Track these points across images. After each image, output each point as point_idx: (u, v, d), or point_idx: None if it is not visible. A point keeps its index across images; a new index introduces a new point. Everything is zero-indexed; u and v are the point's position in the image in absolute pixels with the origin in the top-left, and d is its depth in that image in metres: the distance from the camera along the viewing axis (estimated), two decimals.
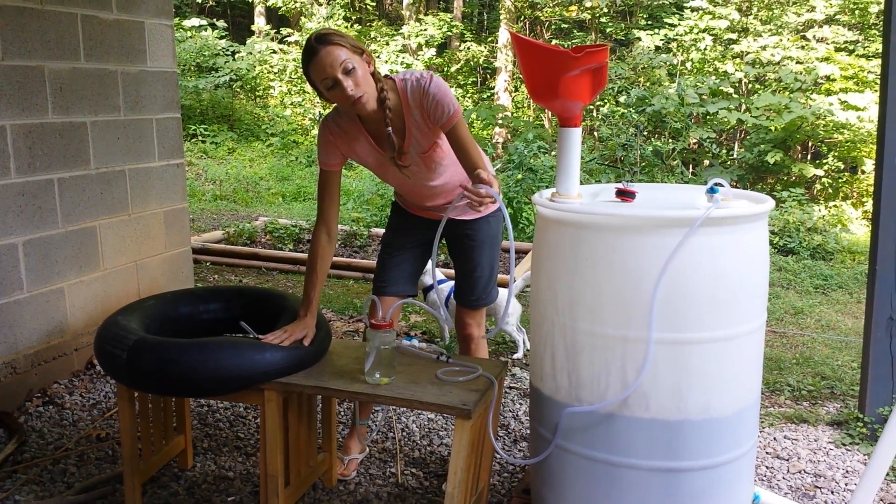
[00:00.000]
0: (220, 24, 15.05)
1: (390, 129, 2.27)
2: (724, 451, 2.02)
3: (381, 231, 6.33)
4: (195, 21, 14.81)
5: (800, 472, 2.83)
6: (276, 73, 14.17)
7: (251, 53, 14.34)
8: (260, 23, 16.24)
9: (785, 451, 2.99)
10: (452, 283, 3.89)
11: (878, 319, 3.06)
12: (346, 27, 14.91)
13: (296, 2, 14.72)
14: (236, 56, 14.35)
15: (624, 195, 2.17)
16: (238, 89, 14.11)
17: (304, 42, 13.27)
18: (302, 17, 15.02)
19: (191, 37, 14.29)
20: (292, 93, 13.93)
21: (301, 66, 2.23)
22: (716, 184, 2.06)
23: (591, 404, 2.00)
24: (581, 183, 2.23)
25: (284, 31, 15.21)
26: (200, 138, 12.01)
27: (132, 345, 2.14)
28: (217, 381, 2.10)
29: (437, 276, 3.95)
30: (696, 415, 1.96)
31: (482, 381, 2.21)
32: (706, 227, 1.89)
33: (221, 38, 14.63)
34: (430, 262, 3.89)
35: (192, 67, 13.80)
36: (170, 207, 4.08)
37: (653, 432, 1.96)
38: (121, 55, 3.69)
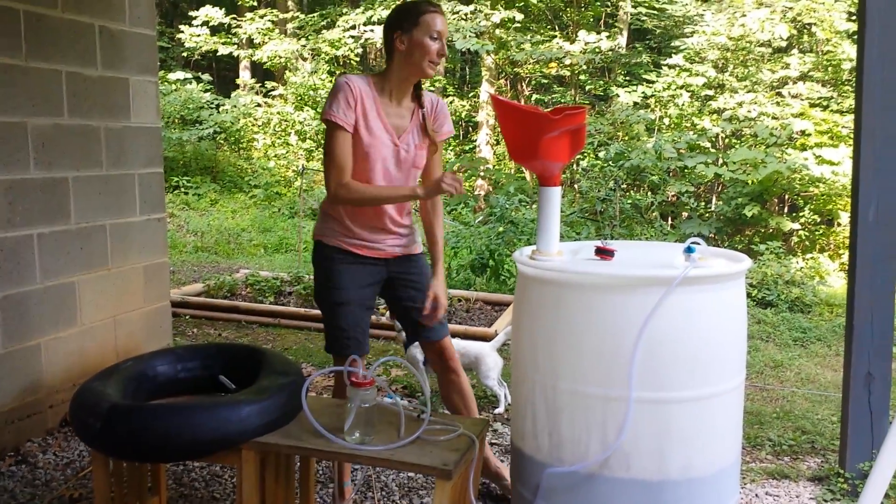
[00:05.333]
0: (206, 77, 15.22)
1: (417, 106, 2.56)
2: None
3: None
4: (180, 74, 14.97)
5: None
6: (260, 126, 14.29)
7: (235, 106, 14.48)
8: (245, 76, 16.42)
9: None
10: None
11: (857, 374, 3.08)
12: (331, 80, 15.10)
13: (280, 57, 14.91)
14: (221, 109, 14.49)
15: (603, 253, 2.19)
16: (222, 141, 14.20)
17: (279, 95, 13.32)
18: (287, 72, 15.22)
19: (175, 90, 14.42)
20: (276, 145, 14.03)
21: (414, 6, 2.44)
22: (693, 243, 2.08)
23: (572, 465, 1.99)
24: (562, 236, 2.26)
25: (269, 84, 15.39)
26: (183, 190, 12.04)
27: (105, 412, 2.11)
28: (193, 446, 2.07)
29: None
30: (676, 475, 1.95)
31: (463, 440, 2.19)
32: (684, 287, 1.91)
33: (206, 91, 14.78)
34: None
35: (177, 120, 13.90)
36: (150, 262, 4.06)
37: (634, 493, 1.95)
38: (105, 111, 3.71)
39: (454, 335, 4.31)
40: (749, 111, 10.66)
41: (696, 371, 1.95)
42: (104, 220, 3.74)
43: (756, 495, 3.08)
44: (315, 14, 16.31)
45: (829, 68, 11.66)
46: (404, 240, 2.66)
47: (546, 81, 14.71)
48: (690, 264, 1.96)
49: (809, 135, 10.21)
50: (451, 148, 15.10)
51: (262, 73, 16.71)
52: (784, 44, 12.09)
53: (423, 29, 2.40)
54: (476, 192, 13.53)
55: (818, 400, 4.30)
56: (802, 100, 11.22)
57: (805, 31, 12.28)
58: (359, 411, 2.15)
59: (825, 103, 11.37)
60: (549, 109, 2.19)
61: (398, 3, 2.64)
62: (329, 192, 2.49)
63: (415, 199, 2.56)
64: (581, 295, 1.99)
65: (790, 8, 11.54)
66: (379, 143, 2.47)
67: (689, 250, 2.03)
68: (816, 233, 9.78)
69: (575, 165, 12.56)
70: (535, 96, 14.95)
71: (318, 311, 5.38)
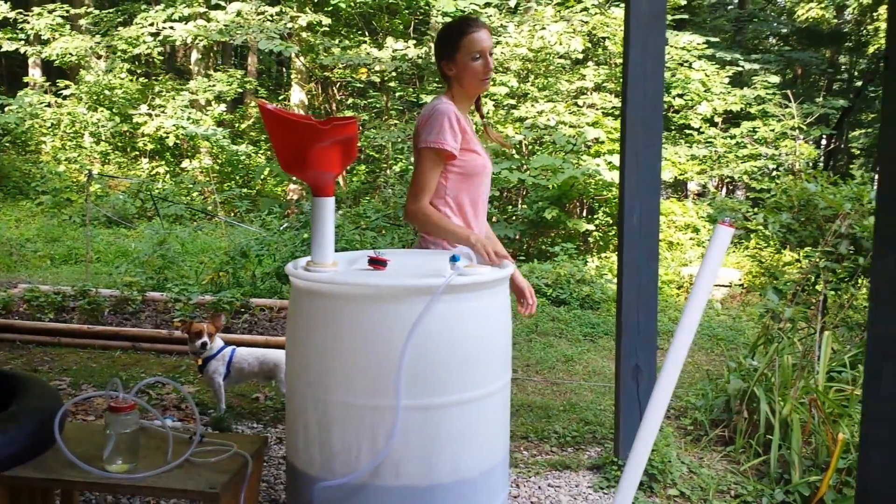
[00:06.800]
0: None
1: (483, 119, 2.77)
2: None
3: (157, 295, 6.00)
4: None
5: None
6: (48, 128, 13.22)
7: (21, 107, 13.31)
8: (36, 74, 15.15)
9: (548, 500, 3.12)
10: (232, 348, 3.76)
11: (625, 367, 3.32)
12: (131, 80, 14.27)
13: (72, 55, 13.88)
14: (6, 110, 13.27)
15: (376, 263, 2.20)
16: (7, 144, 13.01)
17: (79, 94, 12.49)
18: (81, 70, 14.20)
19: None
20: (67, 148, 13.04)
21: (451, 32, 2.55)
22: (460, 251, 2.15)
23: (343, 476, 1.98)
24: (368, 243, 2.25)
25: (62, 83, 14.29)
26: None
27: None
28: None
29: (219, 343, 3.77)
30: (445, 478, 1.99)
31: (237, 460, 2.13)
32: (449, 294, 1.96)
33: None
34: (217, 340, 3.73)
35: None
36: None
37: (404, 500, 1.97)
38: None
39: (255, 345, 4.20)
40: (548, 120, 11.23)
41: (461, 375, 2.00)
42: None
43: (539, 487, 3.23)
44: (111, 10, 15.34)
45: (622, 80, 12.52)
46: None
47: (361, 86, 14.73)
48: (454, 272, 2.01)
49: (602, 142, 10.90)
50: (262, 152, 14.74)
51: (56, 71, 15.47)
52: (581, 56, 12.83)
53: (464, 52, 2.51)
54: (289, 197, 13.31)
55: (602, 391, 4.59)
56: (596, 109, 11.97)
57: (599, 44, 13.11)
58: (119, 437, 2.03)
59: (616, 113, 12.20)
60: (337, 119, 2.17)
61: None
62: (406, 210, 2.57)
63: (466, 245, 2.36)
64: (350, 306, 1.99)
65: (586, 22, 12.27)
66: (484, 156, 2.61)
67: (454, 259, 2.09)
68: (609, 233, 10.47)
69: (388, 171, 12.66)
70: (351, 99, 14.92)
71: (102, 327, 5.09)
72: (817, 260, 4.33)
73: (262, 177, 13.54)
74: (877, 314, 1.02)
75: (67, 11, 14.49)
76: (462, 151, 2.54)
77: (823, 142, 15.86)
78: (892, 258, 0.97)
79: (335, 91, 14.88)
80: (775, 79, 12.78)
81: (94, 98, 13.60)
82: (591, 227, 10.09)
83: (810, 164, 11.69)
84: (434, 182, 2.53)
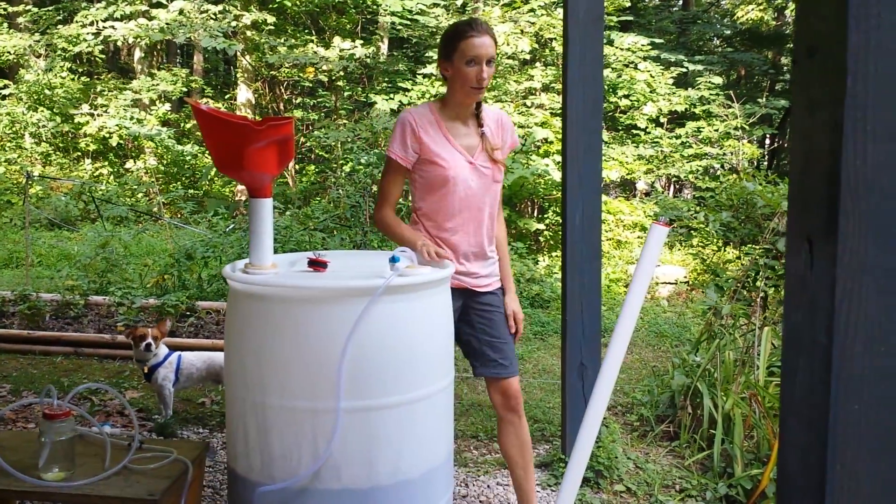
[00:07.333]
0: None
1: (483, 128, 2.54)
2: None
3: (100, 299, 5.87)
4: None
5: None
6: None
7: None
8: None
9: (497, 498, 3.15)
10: (178, 354, 3.70)
11: (571, 365, 3.36)
12: (72, 79, 13.93)
13: (11, 53, 13.49)
14: None
15: (316, 265, 2.19)
16: None
17: (27, 92, 12.16)
18: (20, 69, 13.82)
19: None
20: (7, 149, 12.67)
21: (453, 32, 2.46)
22: (400, 251, 2.15)
23: (284, 481, 1.97)
24: (318, 243, 2.23)
25: (0, 82, 13.88)
26: None
27: None
28: None
29: (164, 350, 3.71)
30: (385, 480, 2.00)
31: (176, 466, 2.09)
32: (389, 295, 1.96)
33: None
34: (162, 347, 3.66)
35: None
36: None
37: (346, 503, 1.97)
38: None
39: (201, 349, 4.14)
40: None
41: (401, 377, 2.01)
42: None
43: (488, 486, 3.26)
44: (51, 8, 14.95)
45: None
46: (491, 270, 2.67)
47: (310, 86, 14.61)
48: (394, 273, 2.02)
49: (551, 142, 11.00)
50: (207, 152, 14.53)
51: None
52: (528, 57, 12.92)
53: (460, 56, 2.43)
54: (236, 198, 13.14)
55: (552, 389, 4.64)
56: (545, 110, 12.06)
57: (546, 45, 13.22)
58: (55, 445, 1.98)
59: None
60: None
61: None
62: (374, 218, 2.62)
63: (414, 249, 2.32)
64: (288, 308, 1.97)
65: (533, 23, 12.35)
66: (453, 164, 2.47)
67: (393, 260, 2.09)
68: (559, 233, 10.56)
69: (338, 171, 12.57)
70: (299, 99, 14.78)
71: (43, 333, 4.96)
72: (757, 257, 4.44)
73: (209, 177, 13.35)
74: (789, 310, 1.05)
75: (5, 9, 14.09)
76: (422, 162, 2.48)
77: (767, 141, 16.24)
78: (802, 256, 1.00)
79: (283, 90, 14.73)
80: (719, 80, 13.03)
81: (35, 98, 13.26)
82: (541, 226, 10.18)
83: (754, 164, 11.96)
84: (393, 190, 2.55)
